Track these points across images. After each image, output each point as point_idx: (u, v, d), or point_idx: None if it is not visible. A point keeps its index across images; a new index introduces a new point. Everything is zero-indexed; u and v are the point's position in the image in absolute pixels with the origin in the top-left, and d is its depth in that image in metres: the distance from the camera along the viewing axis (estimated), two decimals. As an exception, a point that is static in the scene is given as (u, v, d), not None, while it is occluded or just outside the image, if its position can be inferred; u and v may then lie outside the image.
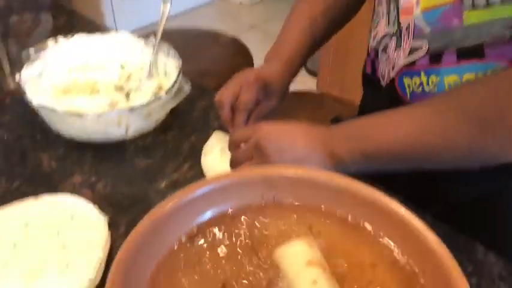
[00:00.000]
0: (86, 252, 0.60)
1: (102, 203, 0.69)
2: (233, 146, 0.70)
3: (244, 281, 0.48)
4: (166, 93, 0.78)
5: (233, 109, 0.76)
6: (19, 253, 0.60)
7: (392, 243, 0.52)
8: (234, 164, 0.68)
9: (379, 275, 0.50)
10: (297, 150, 0.62)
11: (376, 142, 0.61)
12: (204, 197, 0.53)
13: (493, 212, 0.73)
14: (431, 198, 0.76)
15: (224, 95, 0.76)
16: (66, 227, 0.63)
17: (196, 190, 0.53)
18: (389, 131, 0.61)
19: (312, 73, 2.51)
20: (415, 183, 0.76)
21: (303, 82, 2.37)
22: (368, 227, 0.54)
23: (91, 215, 0.65)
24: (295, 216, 0.56)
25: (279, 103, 0.80)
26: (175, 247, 0.51)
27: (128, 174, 0.76)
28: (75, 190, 0.72)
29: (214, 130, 0.82)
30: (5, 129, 0.83)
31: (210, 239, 0.53)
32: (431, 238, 0.49)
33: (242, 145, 0.68)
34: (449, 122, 0.57)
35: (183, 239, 0.52)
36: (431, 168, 0.63)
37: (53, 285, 0.57)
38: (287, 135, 0.64)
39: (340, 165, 0.62)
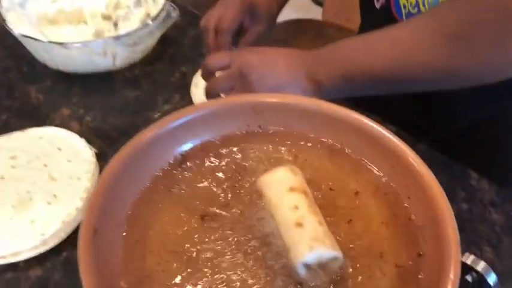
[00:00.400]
0: (74, 183, 0.60)
1: (91, 135, 0.69)
2: (207, 73, 0.66)
3: (224, 213, 0.48)
4: (153, 20, 0.75)
5: (218, 33, 0.73)
6: (7, 184, 0.60)
7: (377, 169, 0.51)
8: (210, 94, 0.64)
9: (363, 201, 0.50)
10: (280, 77, 0.60)
11: (356, 64, 0.58)
12: (187, 124, 0.52)
13: (491, 137, 0.72)
14: (428, 126, 0.74)
15: (208, 19, 0.73)
16: (54, 159, 0.63)
17: (180, 118, 0.52)
18: (369, 52, 0.58)
19: (318, 3, 2.42)
20: (410, 111, 0.74)
21: (308, 11, 2.29)
22: (354, 154, 0.53)
23: (79, 147, 0.65)
24: (280, 144, 0.54)
25: (267, 29, 0.77)
26: (158, 175, 0.50)
27: (117, 106, 0.75)
28: (63, 123, 0.71)
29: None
30: (-10, 62, 0.82)
31: (193, 168, 0.52)
32: (417, 162, 0.48)
33: (217, 73, 0.65)
34: (427, 40, 0.54)
35: (166, 167, 0.51)
36: (412, 89, 0.61)
37: (41, 214, 0.57)
38: (269, 62, 0.61)
39: (321, 90, 0.60)
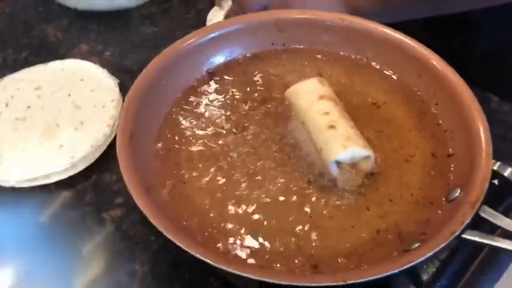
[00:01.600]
0: (99, 110, 0.61)
1: (111, 69, 0.69)
2: None
3: (255, 125, 0.48)
4: (168, -45, 0.75)
5: None
6: (34, 113, 0.60)
7: (403, 79, 0.52)
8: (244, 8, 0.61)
9: (391, 110, 0.50)
10: (320, 2, 0.59)
11: None
12: (214, 40, 0.53)
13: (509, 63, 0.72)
14: (448, 52, 0.74)
15: None
16: (78, 89, 0.63)
17: (207, 33, 0.52)
18: None
19: None
20: (431, 36, 0.73)
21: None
22: (379, 66, 0.53)
23: (101, 77, 0.65)
24: (305, 61, 0.55)
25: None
26: (187, 89, 0.51)
27: (135, 41, 0.75)
28: (82, 58, 0.71)
29: (220, -4, 0.79)
30: (5, 3, 0.81)
31: (222, 83, 0.52)
32: (443, 68, 0.49)
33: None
34: None
35: (196, 80, 0.52)
36: (447, 11, 0.60)
37: (69, 139, 0.58)
38: None
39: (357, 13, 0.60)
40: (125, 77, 0.68)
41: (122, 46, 0.73)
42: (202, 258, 0.35)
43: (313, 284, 0.35)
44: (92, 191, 0.57)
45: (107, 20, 0.77)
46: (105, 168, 0.59)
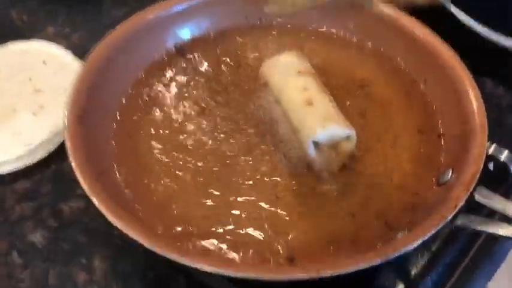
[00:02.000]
0: (61, 95, 0.56)
1: (78, 52, 0.64)
2: None
3: (224, 104, 0.44)
4: None
5: None
6: (-11, 97, 0.55)
7: (390, 55, 0.47)
8: None
9: (375, 87, 0.46)
10: None
11: None
12: (183, 14, 0.48)
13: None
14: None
15: None
16: (39, 72, 0.58)
17: (175, 4, 0.47)
18: None
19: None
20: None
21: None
22: (365, 41, 0.49)
23: (66, 59, 0.60)
24: (284, 37, 0.50)
25: None
26: (150, 67, 0.46)
27: (106, 23, 0.70)
28: (49, 41, 0.66)
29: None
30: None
31: (188, 61, 0.48)
32: (434, 41, 0.44)
33: None
34: None
35: (161, 58, 0.47)
36: None
37: (27, 125, 0.53)
38: None
39: None
40: (92, 61, 0.63)
41: (91, 29, 0.68)
42: (163, 253, 0.30)
43: (284, 278, 0.30)
44: (50, 181, 0.52)
45: (77, 3, 0.72)
46: (66, 157, 0.54)
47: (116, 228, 0.37)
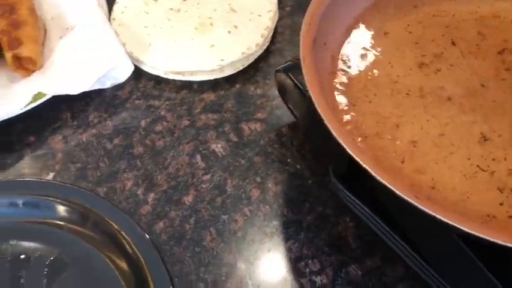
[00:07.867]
0: (255, 18, 0.57)
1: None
2: None
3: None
4: None
5: None
6: (189, 6, 0.58)
7: None
8: None
9: None
10: None
11: None
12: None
13: None
14: None
15: None
16: (237, -7, 0.60)
17: None
18: None
19: None
20: None
21: None
22: None
23: (261, -15, 0.61)
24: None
25: None
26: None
27: None
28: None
29: None
30: None
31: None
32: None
33: None
34: None
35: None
36: None
37: (221, 40, 0.55)
38: None
39: None
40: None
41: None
42: (388, 185, 0.30)
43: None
44: (233, 99, 0.55)
45: None
46: (250, 80, 0.56)
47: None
